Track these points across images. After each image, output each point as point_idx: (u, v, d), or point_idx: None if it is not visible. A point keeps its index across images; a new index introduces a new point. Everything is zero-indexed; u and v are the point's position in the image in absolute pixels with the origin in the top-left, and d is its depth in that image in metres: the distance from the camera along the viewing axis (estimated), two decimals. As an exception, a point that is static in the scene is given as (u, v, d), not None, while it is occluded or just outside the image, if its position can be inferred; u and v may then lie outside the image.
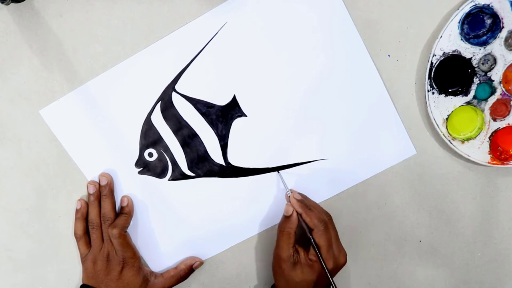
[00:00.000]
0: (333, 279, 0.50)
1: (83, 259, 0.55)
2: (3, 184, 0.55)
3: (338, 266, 0.52)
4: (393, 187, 0.57)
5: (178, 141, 0.54)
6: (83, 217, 0.55)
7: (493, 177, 0.57)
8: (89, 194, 0.55)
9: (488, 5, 0.50)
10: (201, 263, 0.57)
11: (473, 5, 0.50)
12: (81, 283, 0.55)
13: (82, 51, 0.52)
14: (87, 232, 0.55)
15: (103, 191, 0.54)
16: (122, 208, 0.55)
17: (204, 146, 0.55)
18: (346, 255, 0.53)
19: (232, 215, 0.57)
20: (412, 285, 0.60)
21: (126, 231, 0.55)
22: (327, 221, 0.51)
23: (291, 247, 0.51)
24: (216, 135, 0.54)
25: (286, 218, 0.52)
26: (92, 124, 0.54)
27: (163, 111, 0.53)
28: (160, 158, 0.55)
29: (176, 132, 0.54)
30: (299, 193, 0.54)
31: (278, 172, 0.55)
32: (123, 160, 0.55)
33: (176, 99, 0.53)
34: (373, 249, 0.59)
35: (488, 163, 0.55)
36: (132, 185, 0.55)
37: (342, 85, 0.54)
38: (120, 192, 0.56)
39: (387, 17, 0.52)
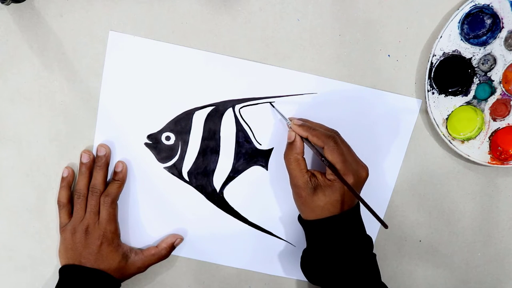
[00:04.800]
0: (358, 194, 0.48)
1: (62, 229, 0.54)
2: (3, 184, 0.55)
3: (360, 180, 0.49)
4: (393, 186, 0.57)
5: (200, 146, 0.54)
6: (69, 185, 0.54)
7: (493, 177, 0.57)
8: (81, 163, 0.53)
9: (488, 5, 0.50)
10: (182, 239, 0.57)
11: (473, 5, 0.50)
12: (60, 264, 0.54)
13: (82, 51, 0.52)
14: (70, 202, 0.54)
15: (98, 162, 0.53)
16: (115, 173, 0.54)
17: (216, 166, 0.55)
18: (367, 168, 0.50)
19: (198, 231, 0.57)
20: (412, 285, 0.60)
21: (117, 203, 0.54)
22: (335, 136, 0.49)
23: (305, 172, 0.49)
24: (232, 166, 0.55)
25: (290, 145, 0.50)
26: (140, 79, 0.53)
27: (209, 115, 0.54)
28: (173, 147, 0.54)
29: (204, 139, 0.54)
30: (299, 119, 0.52)
31: (271, 104, 0.54)
32: (137, 127, 0.54)
33: (228, 116, 0.54)
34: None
35: (488, 163, 0.55)
36: (130, 153, 0.54)
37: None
38: (116, 158, 0.54)
39: (387, 17, 0.52)
